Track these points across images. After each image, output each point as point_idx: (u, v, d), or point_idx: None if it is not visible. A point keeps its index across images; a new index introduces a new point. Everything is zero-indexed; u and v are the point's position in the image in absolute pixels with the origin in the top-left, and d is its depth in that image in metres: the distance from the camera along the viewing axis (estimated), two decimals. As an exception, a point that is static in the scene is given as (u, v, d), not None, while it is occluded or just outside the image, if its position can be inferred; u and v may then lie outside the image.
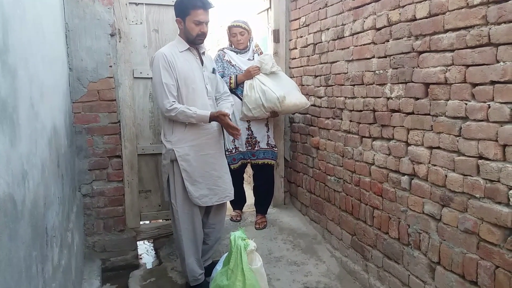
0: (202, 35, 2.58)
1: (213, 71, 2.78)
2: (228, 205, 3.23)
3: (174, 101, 2.50)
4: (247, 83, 3.29)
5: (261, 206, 3.64)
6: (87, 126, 3.05)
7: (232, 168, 3.39)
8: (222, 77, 3.33)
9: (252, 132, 3.41)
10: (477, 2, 1.74)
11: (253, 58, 3.45)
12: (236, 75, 3.33)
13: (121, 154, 3.17)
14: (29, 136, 1.46)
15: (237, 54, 3.43)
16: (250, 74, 3.29)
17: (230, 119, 2.64)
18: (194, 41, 2.59)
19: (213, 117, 2.55)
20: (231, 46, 3.48)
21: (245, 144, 3.42)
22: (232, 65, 3.38)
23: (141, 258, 3.47)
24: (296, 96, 3.27)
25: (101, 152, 3.10)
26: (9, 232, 1.13)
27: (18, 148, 1.29)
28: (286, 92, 3.21)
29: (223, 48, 3.49)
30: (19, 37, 1.40)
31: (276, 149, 3.55)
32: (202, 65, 2.67)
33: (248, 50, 3.46)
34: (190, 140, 2.58)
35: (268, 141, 3.48)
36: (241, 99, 3.32)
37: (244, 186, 3.79)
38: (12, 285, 1.12)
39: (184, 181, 2.57)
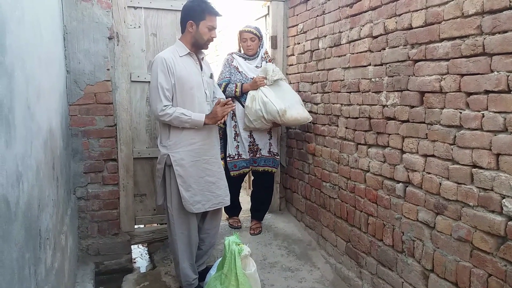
0: (211, 40, 2.63)
1: (211, 76, 2.79)
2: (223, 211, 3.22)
3: (167, 106, 2.49)
4: (249, 94, 3.27)
5: (258, 212, 3.64)
6: (83, 129, 3.04)
7: (232, 175, 3.37)
8: (228, 83, 3.33)
9: (254, 139, 3.40)
10: (472, 12, 1.76)
11: (261, 65, 3.43)
12: (242, 84, 3.32)
13: (117, 158, 3.17)
14: (24, 137, 1.46)
15: (245, 60, 3.42)
16: (256, 84, 3.26)
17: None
18: (203, 46, 2.63)
19: (208, 121, 2.56)
20: (240, 51, 3.48)
21: (249, 151, 3.42)
22: (239, 72, 3.37)
23: (135, 262, 3.46)
24: (298, 111, 3.19)
25: (97, 155, 3.09)
26: (2, 233, 1.13)
27: (13, 149, 1.29)
28: (287, 105, 3.15)
29: (232, 53, 3.48)
30: (16, 38, 1.41)
31: (278, 157, 3.54)
32: (201, 70, 2.68)
33: (257, 57, 3.45)
34: (185, 145, 2.58)
35: (270, 149, 3.47)
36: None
37: (240, 192, 3.78)
38: (4, 287, 1.12)
39: (179, 187, 2.56)
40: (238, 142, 3.39)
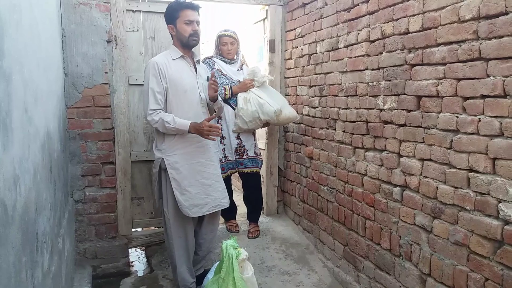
0: (195, 35, 2.59)
1: (208, 79, 2.79)
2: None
3: (154, 110, 2.50)
4: (240, 97, 3.31)
5: (255, 214, 3.65)
6: (81, 132, 3.04)
7: None
8: None
9: (241, 141, 3.42)
10: (468, 17, 1.77)
11: (241, 69, 3.49)
12: (231, 86, 3.34)
13: (115, 161, 3.17)
14: (21, 140, 1.46)
15: (226, 63, 3.45)
16: (246, 86, 3.31)
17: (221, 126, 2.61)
18: (188, 42, 2.60)
19: (193, 130, 2.48)
20: (219, 55, 3.48)
21: (234, 153, 3.43)
22: (224, 75, 3.39)
23: (132, 266, 3.45)
24: (289, 110, 3.36)
25: (95, 158, 3.09)
26: (-1, 236, 1.12)
27: (10, 153, 1.29)
28: (281, 105, 3.28)
29: (212, 57, 3.48)
30: (14, 42, 1.41)
31: (260, 157, 3.58)
32: (196, 72, 2.68)
33: (237, 60, 3.49)
34: (179, 148, 2.58)
35: (255, 150, 3.50)
36: (234, 109, 3.33)
37: (235, 193, 3.79)
38: (0, 291, 1.12)
39: (174, 190, 2.56)
40: (224, 145, 3.41)
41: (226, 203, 2.76)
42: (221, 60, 3.44)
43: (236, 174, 3.61)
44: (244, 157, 3.45)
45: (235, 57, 3.48)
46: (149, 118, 2.52)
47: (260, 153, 3.58)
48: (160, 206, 2.72)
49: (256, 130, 3.57)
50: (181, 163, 2.57)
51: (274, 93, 3.46)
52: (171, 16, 2.59)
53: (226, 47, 3.41)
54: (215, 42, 3.51)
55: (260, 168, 3.57)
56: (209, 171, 2.66)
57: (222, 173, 3.34)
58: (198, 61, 2.75)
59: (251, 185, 3.57)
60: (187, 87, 2.59)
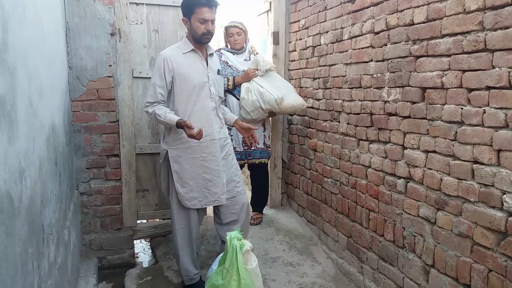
0: (208, 33, 2.55)
1: (218, 72, 2.77)
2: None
3: (151, 103, 2.53)
4: (243, 87, 3.31)
5: (260, 206, 3.69)
6: (86, 125, 3.06)
7: None
8: None
9: None
10: (474, 8, 1.76)
11: (250, 59, 3.48)
12: (234, 77, 3.34)
13: (119, 153, 3.18)
14: (27, 133, 1.47)
15: (233, 54, 3.45)
16: (248, 76, 3.31)
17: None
18: (200, 40, 2.56)
19: (179, 126, 2.45)
20: (227, 47, 3.50)
21: (242, 143, 3.44)
22: (229, 66, 3.40)
23: (137, 257, 3.48)
24: (293, 98, 3.32)
25: (99, 150, 3.11)
26: (6, 228, 1.14)
27: (16, 146, 1.30)
28: (283, 93, 3.26)
29: (220, 49, 3.50)
30: (18, 36, 1.41)
31: (270, 149, 3.59)
32: (208, 66, 2.65)
33: (245, 50, 3.49)
34: (183, 142, 2.57)
35: (264, 141, 3.51)
36: (238, 99, 3.34)
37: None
38: (8, 281, 1.13)
39: (175, 183, 2.58)
40: (231, 135, 3.39)
41: (224, 199, 2.73)
42: (228, 51, 3.46)
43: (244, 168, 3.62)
44: (253, 148, 3.45)
45: (244, 46, 3.48)
46: (145, 109, 2.57)
47: (269, 145, 3.59)
48: (167, 197, 2.75)
49: (267, 121, 3.57)
50: (184, 157, 2.58)
51: (279, 80, 3.42)
52: (187, 11, 2.53)
53: (233, 38, 3.42)
54: (223, 34, 3.53)
55: (268, 160, 3.58)
56: (210, 166, 2.64)
57: None
58: (211, 55, 2.71)
59: (260, 175, 3.61)
60: (196, 81, 2.57)
